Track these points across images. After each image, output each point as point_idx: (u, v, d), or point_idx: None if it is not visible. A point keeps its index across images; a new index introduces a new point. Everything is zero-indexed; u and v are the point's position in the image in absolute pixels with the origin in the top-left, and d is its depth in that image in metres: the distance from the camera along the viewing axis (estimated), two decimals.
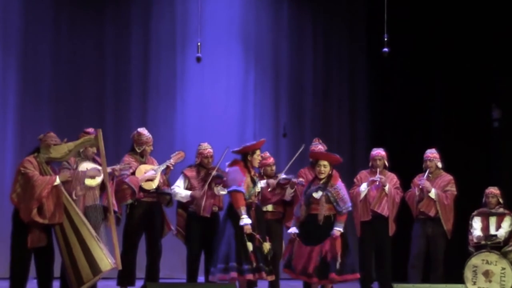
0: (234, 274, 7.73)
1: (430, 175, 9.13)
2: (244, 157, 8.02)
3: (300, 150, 8.72)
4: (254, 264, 7.75)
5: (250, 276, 7.75)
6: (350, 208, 8.28)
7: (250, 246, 7.75)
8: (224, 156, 8.41)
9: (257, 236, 7.80)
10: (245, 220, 7.73)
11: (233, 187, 7.87)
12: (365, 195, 9.02)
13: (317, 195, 8.12)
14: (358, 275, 8.29)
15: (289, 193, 8.59)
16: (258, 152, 8.04)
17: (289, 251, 8.22)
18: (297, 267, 8.09)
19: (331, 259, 8.02)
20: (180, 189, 8.53)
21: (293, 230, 8.17)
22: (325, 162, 8.20)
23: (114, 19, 10.93)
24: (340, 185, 8.24)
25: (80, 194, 7.56)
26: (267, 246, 7.83)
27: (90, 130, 7.88)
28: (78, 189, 7.50)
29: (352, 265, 8.22)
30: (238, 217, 7.79)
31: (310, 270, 8.01)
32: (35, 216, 7.18)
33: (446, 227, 9.03)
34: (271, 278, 8.03)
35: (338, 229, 8.08)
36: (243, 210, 7.76)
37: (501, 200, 9.33)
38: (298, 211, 8.19)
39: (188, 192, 8.48)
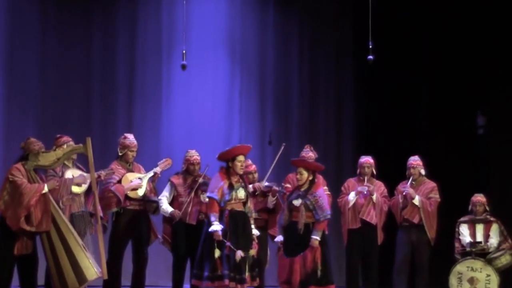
0: (193, 281, 7.79)
1: (413, 182, 9.17)
2: (226, 163, 8.01)
3: (281, 150, 8.69)
4: (218, 272, 7.67)
5: (208, 284, 7.69)
6: (329, 216, 8.21)
7: (217, 252, 7.70)
8: (205, 172, 8.43)
9: (228, 243, 7.74)
10: (214, 227, 7.70)
11: (207, 194, 7.93)
12: (354, 203, 9.05)
13: (297, 202, 8.13)
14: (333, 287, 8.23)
15: (270, 201, 8.59)
16: (239, 158, 7.94)
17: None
18: (281, 277, 8.07)
19: (311, 270, 8.00)
20: (165, 203, 8.54)
21: (279, 238, 8.19)
22: (301, 169, 8.20)
23: (100, 26, 10.90)
24: (320, 192, 8.24)
25: (67, 204, 7.56)
26: (238, 254, 7.68)
27: (63, 135, 7.90)
28: (64, 199, 7.50)
29: (331, 273, 8.20)
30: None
31: (294, 282, 7.98)
32: (23, 224, 7.16)
33: (429, 234, 9.06)
34: (242, 286, 7.79)
35: (315, 238, 8.06)
36: (213, 216, 7.74)
37: (487, 208, 9.39)
38: (282, 218, 8.20)
39: (170, 210, 8.49)
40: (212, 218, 7.74)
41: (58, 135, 7.96)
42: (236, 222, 7.86)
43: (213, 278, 7.69)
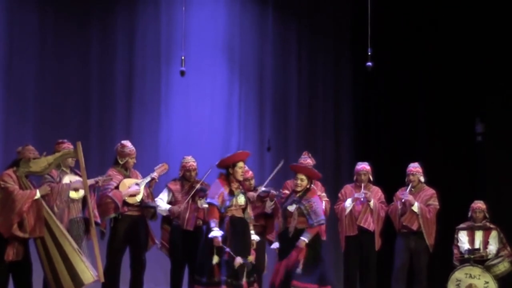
0: (195, 286, 7.76)
1: (412, 189, 9.16)
2: (226, 169, 8.02)
3: (279, 166, 8.72)
4: (215, 278, 7.68)
5: None
6: (323, 222, 8.24)
7: (215, 259, 7.69)
8: (207, 174, 8.44)
9: (227, 249, 7.75)
10: (214, 233, 7.70)
11: (207, 200, 7.93)
12: (351, 210, 9.05)
13: (291, 208, 8.16)
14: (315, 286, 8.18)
15: (269, 205, 8.59)
16: (240, 164, 7.97)
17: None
18: (274, 283, 8.09)
19: (291, 267, 8.02)
20: (161, 202, 8.56)
21: (275, 245, 8.22)
22: (303, 176, 8.23)
23: (99, 33, 10.90)
24: (316, 199, 8.26)
25: (61, 207, 7.55)
26: (238, 260, 7.69)
27: (64, 141, 7.89)
28: (58, 202, 7.48)
29: (322, 276, 8.14)
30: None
31: (275, 281, 8.05)
32: (16, 230, 7.14)
33: (428, 241, 9.05)
34: None
35: (303, 239, 8.08)
36: (213, 222, 7.74)
37: (487, 215, 9.40)
38: (277, 224, 8.21)
39: (168, 206, 8.51)
40: (212, 224, 7.74)
41: (60, 140, 7.94)
42: (236, 228, 7.87)
43: (209, 284, 7.69)
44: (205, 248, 7.79)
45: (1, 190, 7.23)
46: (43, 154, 7.38)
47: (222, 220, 7.82)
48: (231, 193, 7.90)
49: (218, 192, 7.84)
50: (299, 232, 8.10)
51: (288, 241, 8.10)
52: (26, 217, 7.18)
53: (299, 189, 8.22)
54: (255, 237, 8.04)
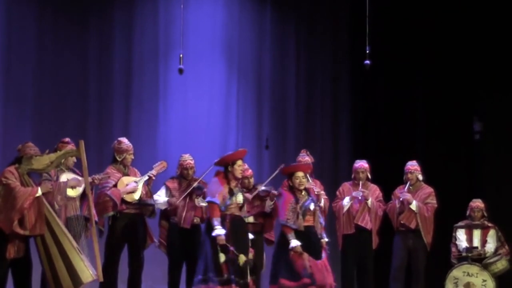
0: (212, 285, 7.69)
1: (410, 187, 9.16)
2: (225, 168, 8.02)
3: (277, 171, 8.72)
4: (225, 276, 7.68)
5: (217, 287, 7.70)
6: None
7: (222, 257, 7.70)
8: (207, 171, 8.43)
9: (231, 248, 7.76)
10: (218, 231, 7.69)
11: (208, 198, 7.91)
12: (348, 208, 9.05)
13: (312, 207, 8.18)
14: None
15: (268, 205, 8.56)
16: (239, 162, 7.97)
17: (301, 265, 8.08)
18: (320, 280, 8.02)
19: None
20: (159, 197, 8.55)
21: (297, 243, 8.04)
22: (302, 173, 8.24)
23: (97, 32, 10.88)
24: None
25: (61, 204, 7.54)
26: (242, 258, 7.73)
27: (67, 140, 7.88)
28: (59, 199, 7.47)
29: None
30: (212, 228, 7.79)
31: (331, 281, 8.09)
32: (16, 227, 7.12)
33: (426, 239, 9.06)
34: None
35: (327, 240, 8.26)
36: (216, 221, 7.73)
37: (485, 213, 9.41)
38: (291, 223, 8.10)
39: (166, 199, 8.52)
40: (215, 223, 7.72)
41: (65, 140, 7.91)
42: (236, 227, 7.91)
43: (221, 282, 7.69)
44: (209, 246, 7.76)
45: (2, 186, 7.21)
46: (46, 151, 7.38)
47: (223, 219, 7.82)
48: (231, 192, 7.90)
49: (218, 191, 7.83)
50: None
51: (317, 239, 8.14)
52: (27, 214, 7.15)
53: (302, 187, 8.23)
54: (250, 236, 8.06)
